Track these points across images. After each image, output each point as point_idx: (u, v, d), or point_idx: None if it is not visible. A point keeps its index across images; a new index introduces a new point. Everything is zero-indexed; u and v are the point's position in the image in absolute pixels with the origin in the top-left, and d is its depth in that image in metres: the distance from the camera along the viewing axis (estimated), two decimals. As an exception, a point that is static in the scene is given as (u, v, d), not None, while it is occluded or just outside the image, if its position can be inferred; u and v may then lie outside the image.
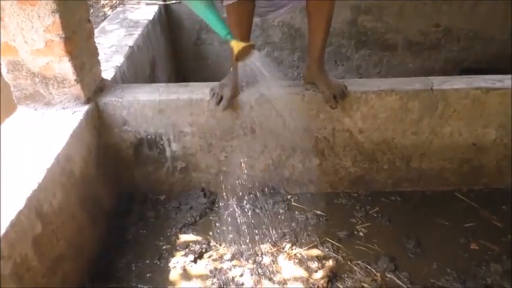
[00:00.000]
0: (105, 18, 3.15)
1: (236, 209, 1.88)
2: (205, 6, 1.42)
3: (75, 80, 1.60)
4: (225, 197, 1.95)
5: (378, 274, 1.59)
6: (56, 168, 1.39)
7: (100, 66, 1.81)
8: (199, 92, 1.76)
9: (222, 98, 1.72)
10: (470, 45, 3.10)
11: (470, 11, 2.95)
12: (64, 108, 1.64)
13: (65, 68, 1.57)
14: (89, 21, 1.70)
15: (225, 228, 1.80)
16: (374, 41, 3.10)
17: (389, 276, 1.58)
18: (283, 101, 1.73)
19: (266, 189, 1.94)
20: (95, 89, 1.75)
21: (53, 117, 1.60)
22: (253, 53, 1.39)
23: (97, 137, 1.72)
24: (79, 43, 1.61)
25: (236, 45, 1.36)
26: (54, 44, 1.52)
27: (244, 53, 1.36)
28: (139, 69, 2.27)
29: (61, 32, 1.50)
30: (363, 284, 1.55)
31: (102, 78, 1.83)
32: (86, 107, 1.65)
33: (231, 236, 1.76)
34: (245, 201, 1.91)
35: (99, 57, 1.88)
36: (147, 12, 2.64)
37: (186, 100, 1.73)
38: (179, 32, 3.03)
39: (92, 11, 3.81)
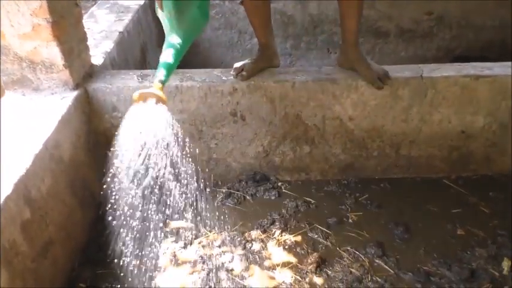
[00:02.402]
0: (96, 3, 3.10)
1: (227, 196, 1.88)
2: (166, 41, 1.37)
3: (63, 65, 1.58)
4: (216, 184, 1.96)
5: (366, 260, 1.61)
6: (44, 154, 1.38)
7: (89, 51, 1.80)
8: (189, 78, 1.75)
9: (242, 70, 1.74)
10: (463, 33, 3.10)
11: (462, -1, 2.95)
12: (53, 94, 1.63)
13: (52, 52, 1.55)
14: (77, 5, 1.68)
15: (215, 214, 1.81)
16: (366, 28, 3.08)
17: (377, 261, 1.61)
18: (274, 88, 1.73)
19: (257, 176, 1.94)
20: (84, 75, 1.73)
21: (41, 102, 1.58)
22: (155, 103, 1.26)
23: (87, 123, 1.72)
24: (67, 28, 1.59)
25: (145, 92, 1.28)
26: (41, 28, 1.50)
27: (145, 97, 1.27)
28: (130, 55, 2.25)
29: (48, 16, 1.48)
30: (350, 269, 1.57)
31: (92, 64, 1.81)
32: (74, 93, 1.64)
33: (221, 222, 1.77)
34: (236, 188, 1.92)
35: (89, 43, 1.86)
36: (137, -3, 2.60)
37: (175, 86, 1.72)
38: (171, 18, 3.00)
39: (82, -4, 3.75)
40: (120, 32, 2.15)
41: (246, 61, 1.78)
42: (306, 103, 1.77)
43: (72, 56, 1.63)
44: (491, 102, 1.79)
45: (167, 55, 1.36)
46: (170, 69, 1.36)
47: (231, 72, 1.76)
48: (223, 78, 1.75)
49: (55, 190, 1.44)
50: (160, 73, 1.33)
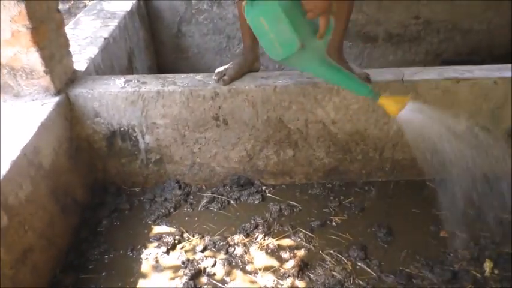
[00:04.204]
0: (84, 10, 3.11)
1: (210, 201, 1.88)
2: (330, 69, 1.40)
3: (43, 71, 1.58)
4: (200, 188, 1.96)
5: (349, 263, 1.61)
6: (23, 160, 1.38)
7: (71, 57, 1.80)
8: (171, 83, 1.75)
9: (224, 75, 1.75)
10: (450, 36, 3.12)
11: (450, 2, 2.96)
12: (33, 100, 1.63)
13: (32, 59, 1.55)
14: (58, 11, 1.68)
15: (199, 219, 1.81)
16: (355, 33, 3.10)
17: (359, 264, 1.61)
18: (255, 92, 1.73)
19: (241, 180, 1.94)
20: (66, 81, 1.73)
21: (21, 109, 1.58)
22: (407, 103, 1.35)
23: (68, 129, 1.71)
24: (47, 34, 1.60)
25: (390, 103, 1.36)
26: (20, 35, 1.50)
27: (398, 106, 1.35)
28: (116, 61, 2.25)
29: (27, 23, 1.48)
30: (333, 272, 1.56)
31: (74, 70, 1.81)
32: (56, 99, 1.64)
33: (205, 227, 1.77)
34: (220, 193, 1.92)
35: (73, 49, 1.87)
36: (124, 4, 2.61)
37: (157, 91, 1.72)
38: (159, 24, 3.01)
39: (72, 2, 3.77)
40: (105, 38, 2.15)
41: (228, 66, 1.79)
42: (288, 107, 1.77)
43: (53, 62, 1.64)
44: (472, 105, 1.79)
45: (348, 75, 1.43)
46: (357, 85, 1.42)
47: (213, 77, 1.76)
48: (205, 82, 1.76)
49: (34, 196, 1.43)
50: (365, 91, 1.40)
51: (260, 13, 1.28)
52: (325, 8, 1.25)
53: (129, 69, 2.47)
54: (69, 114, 1.72)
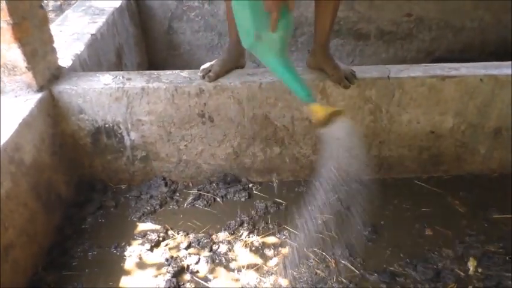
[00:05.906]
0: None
1: (196, 198, 1.88)
2: (281, 65, 1.40)
3: (26, 67, 1.57)
4: (186, 185, 1.95)
5: (333, 260, 1.60)
6: (3, 156, 1.37)
7: (56, 54, 1.78)
8: (155, 79, 1.74)
9: (210, 71, 1.74)
10: (442, 34, 3.11)
11: (441, 0, 2.96)
12: (16, 97, 1.61)
13: (14, 55, 1.54)
14: (42, 7, 1.66)
15: (184, 216, 1.80)
16: (347, 30, 3.09)
17: (343, 262, 1.60)
18: (241, 89, 1.73)
19: (227, 177, 1.93)
20: (49, 77, 1.72)
21: (4, 105, 1.57)
22: (339, 120, 1.30)
23: (52, 126, 1.70)
24: (30, 30, 1.58)
25: (319, 111, 1.32)
26: (2, 31, 1.49)
27: (328, 120, 1.31)
28: (103, 57, 2.24)
29: (8, 18, 1.47)
30: (316, 270, 1.56)
31: (59, 66, 1.80)
32: (39, 95, 1.63)
33: (190, 224, 1.76)
34: (206, 190, 1.91)
35: (59, 45, 1.86)
36: (113, 0, 2.59)
37: (142, 88, 1.71)
38: (150, 20, 3.00)
39: (64, -1, 3.74)
40: (92, 34, 2.14)
41: (213, 62, 1.78)
42: (274, 104, 1.77)
43: (36, 58, 1.62)
44: (459, 103, 1.79)
45: (295, 76, 1.42)
46: (299, 85, 1.42)
47: (199, 74, 1.75)
48: (191, 79, 1.75)
49: (15, 193, 1.42)
50: (304, 93, 1.41)
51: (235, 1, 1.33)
52: (274, 3, 1.26)
53: (118, 65, 2.45)
54: (52, 111, 1.70)
